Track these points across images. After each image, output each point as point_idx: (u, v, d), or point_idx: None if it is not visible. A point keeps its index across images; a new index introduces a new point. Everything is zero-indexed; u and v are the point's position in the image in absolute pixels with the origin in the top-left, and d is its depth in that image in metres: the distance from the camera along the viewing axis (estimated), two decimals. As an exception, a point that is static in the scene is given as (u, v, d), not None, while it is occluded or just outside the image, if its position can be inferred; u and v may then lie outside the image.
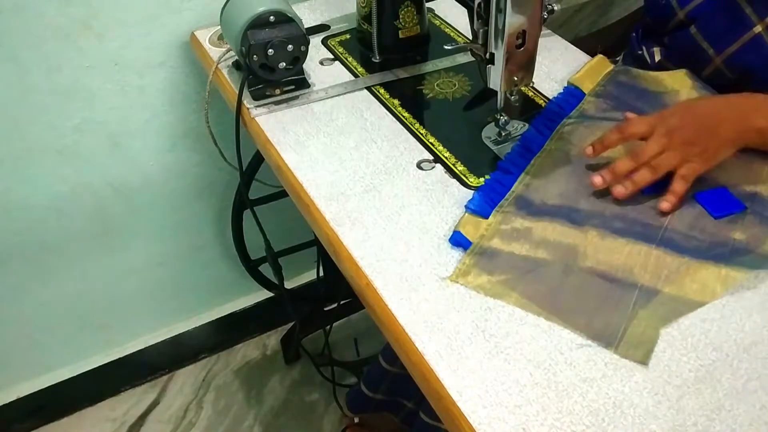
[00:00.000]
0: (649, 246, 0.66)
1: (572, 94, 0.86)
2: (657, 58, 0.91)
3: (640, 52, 0.94)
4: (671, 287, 0.62)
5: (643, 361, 0.57)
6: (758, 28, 0.76)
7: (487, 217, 0.70)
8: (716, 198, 0.70)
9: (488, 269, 0.65)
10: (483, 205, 0.72)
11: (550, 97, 0.87)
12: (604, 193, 0.71)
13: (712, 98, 0.78)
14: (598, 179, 0.71)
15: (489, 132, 0.83)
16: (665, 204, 0.69)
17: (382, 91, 0.90)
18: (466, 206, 0.72)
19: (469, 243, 0.67)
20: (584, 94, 0.86)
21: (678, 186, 0.69)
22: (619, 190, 0.70)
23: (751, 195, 0.70)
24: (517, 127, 0.82)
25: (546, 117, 0.82)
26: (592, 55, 0.96)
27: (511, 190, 0.73)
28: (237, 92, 0.86)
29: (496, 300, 0.62)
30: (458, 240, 0.68)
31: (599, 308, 0.61)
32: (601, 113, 0.82)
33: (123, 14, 0.99)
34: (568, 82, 0.88)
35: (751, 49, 0.77)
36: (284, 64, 0.84)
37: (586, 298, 0.62)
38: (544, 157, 0.77)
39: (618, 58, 1.01)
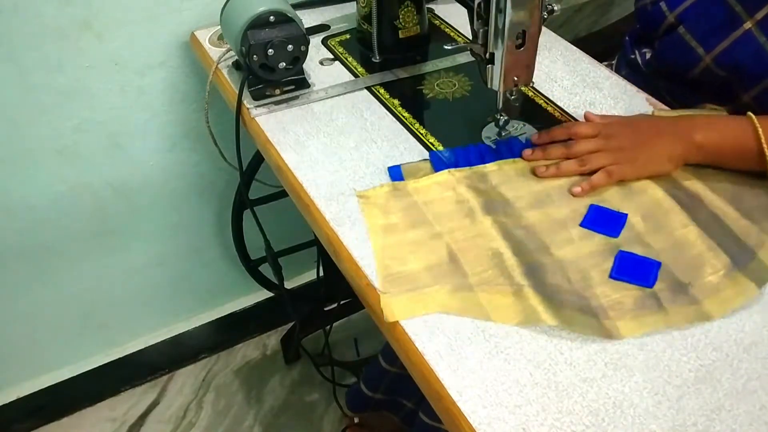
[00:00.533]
0: (517, 263, 0.65)
1: None
2: (648, 56, 0.92)
3: (633, 56, 0.94)
4: (484, 294, 0.63)
5: (390, 317, 0.60)
6: (748, 25, 0.77)
7: (436, 171, 0.76)
8: (635, 264, 0.65)
9: (385, 207, 0.72)
10: (441, 160, 0.77)
11: (551, 98, 0.88)
12: (547, 201, 0.73)
13: (656, 117, 0.81)
14: (527, 152, 0.77)
15: (489, 132, 0.83)
16: (577, 189, 0.72)
17: (382, 91, 0.90)
18: (430, 153, 0.79)
19: (401, 179, 0.75)
20: None
21: (598, 178, 0.72)
22: (541, 169, 0.75)
23: (677, 285, 0.64)
24: (517, 127, 0.82)
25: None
26: (593, 55, 0.97)
27: (474, 167, 0.77)
28: (237, 92, 0.86)
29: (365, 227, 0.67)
30: (394, 172, 0.75)
31: (420, 269, 0.65)
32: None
33: (123, 14, 0.99)
34: None
35: (741, 45, 0.78)
36: (284, 64, 0.84)
37: (421, 258, 0.66)
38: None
39: (612, 62, 1.01)
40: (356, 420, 1.24)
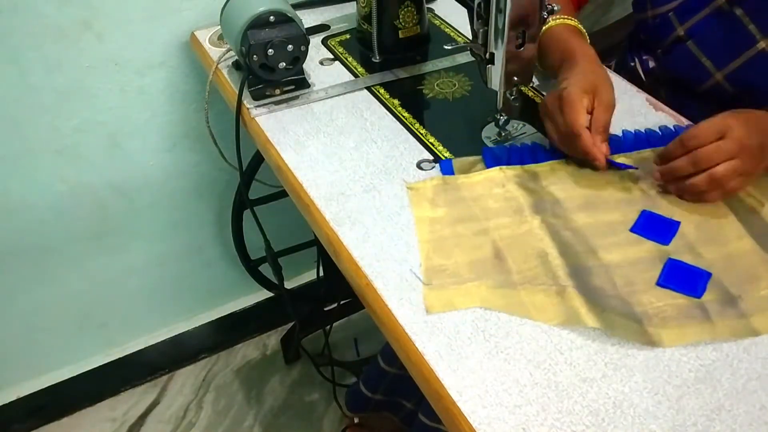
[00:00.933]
0: (561, 263, 0.64)
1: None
2: (651, 65, 0.91)
3: (632, 64, 0.93)
4: (525, 292, 0.62)
5: (429, 310, 0.61)
6: (762, 45, 0.76)
7: (488, 167, 0.76)
8: (683, 273, 0.64)
9: (435, 200, 0.72)
10: (495, 156, 0.77)
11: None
12: (594, 205, 0.71)
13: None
14: (656, 174, 0.72)
15: (489, 132, 0.83)
16: (698, 185, 0.67)
17: (382, 91, 0.90)
18: (482, 149, 0.78)
19: (451, 173, 0.75)
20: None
21: (736, 185, 0.67)
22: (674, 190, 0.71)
23: (729, 297, 0.62)
24: (517, 127, 0.82)
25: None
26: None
27: (526, 165, 0.76)
28: (237, 92, 0.86)
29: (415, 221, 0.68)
30: (446, 166, 0.76)
31: (463, 263, 0.65)
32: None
33: (123, 14, 0.99)
34: None
35: (755, 65, 0.77)
36: (284, 64, 0.84)
37: (466, 252, 0.66)
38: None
39: (610, 64, 1.01)
40: (356, 420, 1.24)
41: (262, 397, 1.44)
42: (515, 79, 0.75)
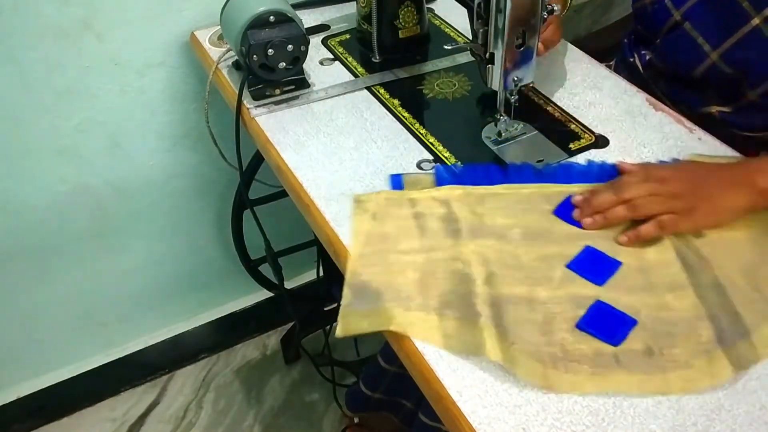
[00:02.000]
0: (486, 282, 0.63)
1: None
2: (648, 57, 0.91)
3: (631, 60, 0.93)
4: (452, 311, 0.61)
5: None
6: (756, 21, 0.75)
7: (438, 186, 0.74)
8: (603, 318, 0.60)
9: (378, 214, 0.70)
10: (446, 177, 0.75)
11: (551, 98, 0.87)
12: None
13: (709, 163, 0.73)
14: (576, 212, 0.70)
15: (489, 132, 0.83)
16: (623, 238, 0.66)
17: (382, 91, 0.90)
18: (435, 167, 0.77)
19: (401, 188, 0.74)
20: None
21: (647, 229, 0.65)
22: (587, 221, 0.68)
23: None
24: (517, 127, 0.82)
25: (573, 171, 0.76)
26: (593, 55, 0.96)
27: (477, 186, 0.74)
28: (237, 92, 0.86)
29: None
30: (396, 182, 0.74)
31: (412, 284, 0.64)
32: None
33: (123, 14, 0.99)
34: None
35: (750, 42, 0.77)
36: (284, 64, 0.84)
37: (403, 275, 0.65)
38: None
39: (611, 63, 1.01)
40: (356, 420, 1.24)
41: (262, 397, 1.44)
42: (515, 79, 0.75)
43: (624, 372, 0.56)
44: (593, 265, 0.65)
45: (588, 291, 0.62)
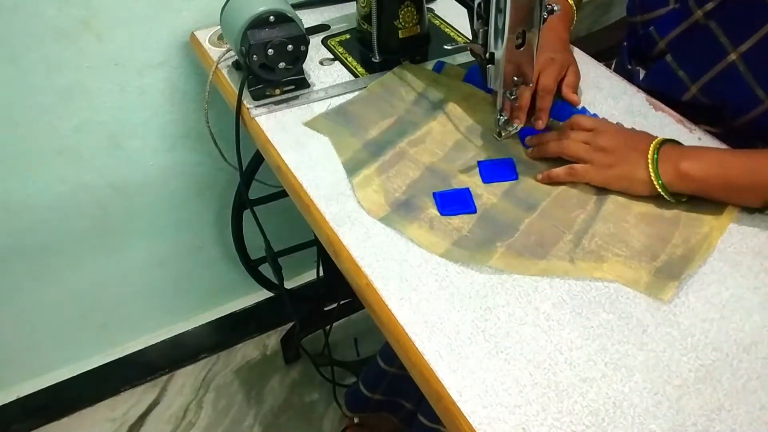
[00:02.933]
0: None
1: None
2: (641, 76, 0.92)
3: (629, 67, 0.94)
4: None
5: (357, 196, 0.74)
6: (732, 57, 0.76)
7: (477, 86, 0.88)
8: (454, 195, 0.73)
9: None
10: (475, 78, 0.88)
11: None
12: None
13: (651, 138, 0.74)
14: (529, 137, 0.80)
15: (489, 132, 0.83)
16: (538, 176, 0.75)
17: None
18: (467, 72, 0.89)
19: (443, 67, 0.93)
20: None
21: (557, 173, 0.73)
22: (529, 151, 0.78)
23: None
24: (516, 127, 0.82)
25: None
26: (593, 55, 0.96)
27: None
28: (237, 92, 0.86)
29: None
30: (438, 66, 0.91)
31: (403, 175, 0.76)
32: None
33: (123, 14, 0.99)
34: None
35: (727, 78, 0.77)
36: (284, 64, 0.84)
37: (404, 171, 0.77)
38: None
39: (610, 63, 1.01)
40: (356, 420, 1.24)
41: (262, 397, 1.44)
42: (515, 79, 0.75)
43: (423, 228, 0.69)
44: (496, 170, 0.76)
45: (470, 180, 0.75)
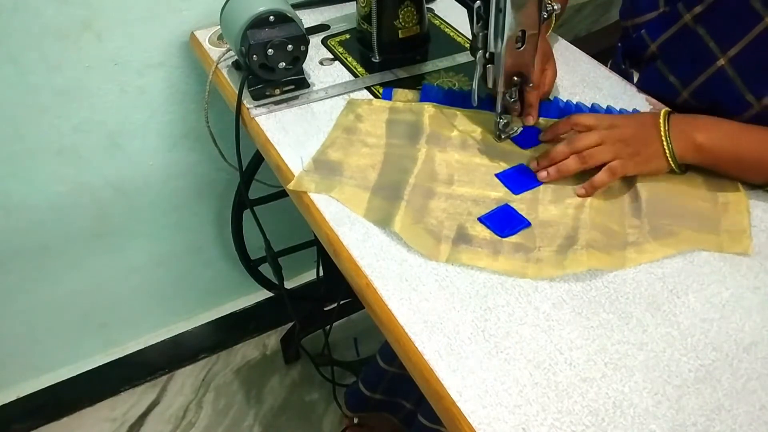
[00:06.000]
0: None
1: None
2: (635, 79, 0.92)
3: (624, 67, 0.94)
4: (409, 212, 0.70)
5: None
6: (721, 62, 0.76)
7: (420, 101, 0.86)
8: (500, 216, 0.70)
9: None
10: (429, 93, 0.86)
11: (550, 97, 0.88)
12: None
13: (655, 114, 0.77)
14: (533, 164, 0.76)
15: (489, 132, 0.83)
16: (580, 190, 0.73)
17: (382, 90, 0.90)
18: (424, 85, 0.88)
19: (390, 99, 0.88)
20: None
21: (600, 178, 0.72)
22: (542, 174, 0.74)
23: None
24: (517, 129, 0.82)
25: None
26: (593, 55, 0.96)
27: (463, 108, 0.85)
28: (237, 92, 0.86)
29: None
30: (387, 93, 0.87)
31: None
32: None
33: (123, 14, 0.99)
34: None
35: (716, 83, 0.77)
36: (284, 64, 0.84)
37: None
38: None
39: (607, 63, 1.01)
40: (356, 420, 1.24)
41: (262, 397, 1.44)
42: (515, 79, 0.75)
43: (498, 257, 0.65)
44: (518, 179, 0.75)
45: (503, 197, 0.73)
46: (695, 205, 0.71)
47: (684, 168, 0.73)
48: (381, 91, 0.89)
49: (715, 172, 0.73)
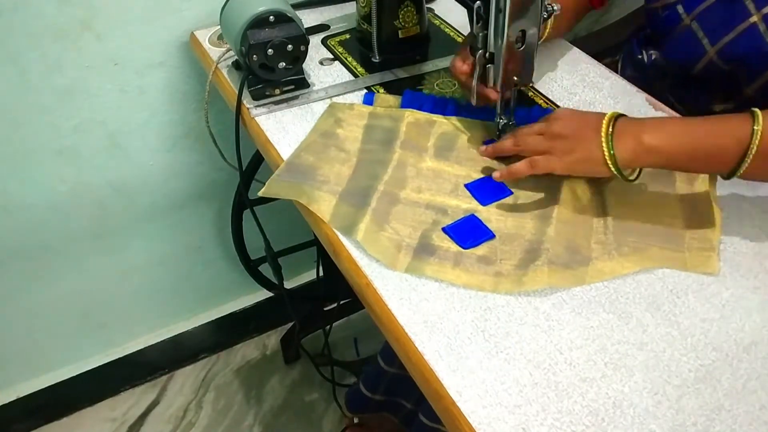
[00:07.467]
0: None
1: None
2: (653, 57, 0.91)
3: (639, 57, 0.94)
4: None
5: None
6: (754, 18, 0.76)
7: (401, 107, 0.85)
8: (465, 227, 0.69)
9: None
10: (409, 99, 0.85)
11: (550, 97, 0.88)
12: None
13: (605, 115, 0.71)
14: (482, 149, 0.78)
15: (489, 132, 0.83)
16: (496, 173, 0.73)
17: (381, 91, 0.90)
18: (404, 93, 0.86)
19: (371, 104, 0.86)
20: None
21: (518, 167, 0.71)
22: (496, 174, 0.73)
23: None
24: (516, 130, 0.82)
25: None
26: (593, 55, 0.96)
27: (429, 112, 0.84)
28: (237, 92, 0.86)
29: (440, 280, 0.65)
30: (368, 98, 0.86)
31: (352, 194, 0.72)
32: None
33: (123, 14, 0.99)
34: None
35: (746, 38, 0.77)
36: (284, 64, 0.84)
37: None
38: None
39: (617, 58, 1.01)
40: (356, 420, 1.24)
41: (262, 397, 1.44)
42: (515, 79, 0.75)
43: (458, 268, 0.65)
44: (488, 190, 0.74)
45: (470, 207, 0.72)
46: (665, 222, 0.69)
47: (635, 174, 0.69)
48: (381, 90, 0.89)
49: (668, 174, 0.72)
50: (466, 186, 0.74)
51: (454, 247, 0.67)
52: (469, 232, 0.68)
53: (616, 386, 0.55)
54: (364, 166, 0.75)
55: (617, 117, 0.68)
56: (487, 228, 0.69)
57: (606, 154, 0.66)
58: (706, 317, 0.61)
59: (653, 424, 0.52)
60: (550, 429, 0.52)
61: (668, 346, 0.58)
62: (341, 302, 1.31)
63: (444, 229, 0.68)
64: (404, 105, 0.85)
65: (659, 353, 0.58)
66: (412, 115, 0.83)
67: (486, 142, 0.79)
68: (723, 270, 0.65)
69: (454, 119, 0.83)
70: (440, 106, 0.85)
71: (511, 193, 0.73)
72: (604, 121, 0.67)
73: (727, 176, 0.66)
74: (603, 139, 0.66)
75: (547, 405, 0.54)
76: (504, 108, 0.78)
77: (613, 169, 0.66)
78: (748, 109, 0.64)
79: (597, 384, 0.55)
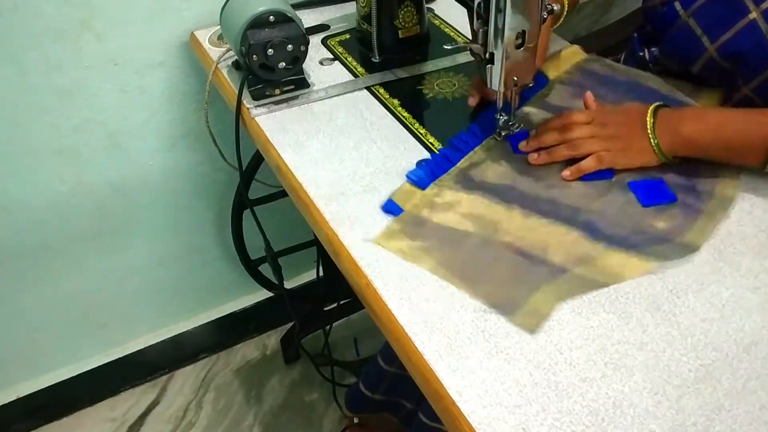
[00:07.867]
0: (569, 228, 0.69)
1: (537, 81, 0.88)
2: (655, 54, 0.92)
3: (641, 54, 0.94)
4: (580, 268, 0.65)
5: (533, 329, 0.59)
6: (753, 15, 0.77)
7: (424, 189, 0.74)
8: (649, 188, 0.73)
9: (411, 235, 0.68)
10: (423, 176, 0.75)
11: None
12: (542, 177, 0.76)
13: (645, 108, 0.77)
14: (523, 144, 0.78)
15: (489, 132, 0.83)
16: (566, 172, 0.74)
17: (381, 91, 0.90)
18: (406, 176, 0.75)
19: (401, 211, 0.71)
20: (548, 80, 0.90)
21: (588, 163, 0.74)
22: (534, 156, 0.76)
23: (688, 187, 0.73)
24: (515, 128, 0.82)
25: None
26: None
27: (456, 165, 0.77)
28: (237, 92, 0.86)
29: (412, 264, 0.65)
30: (390, 208, 0.72)
31: (507, 280, 0.64)
32: (561, 102, 0.87)
33: (123, 14, 0.99)
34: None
35: (745, 35, 0.78)
36: (284, 64, 0.84)
37: (497, 270, 0.65)
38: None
39: (618, 57, 1.01)
40: (356, 420, 1.24)
41: (262, 397, 1.44)
42: (515, 79, 0.75)
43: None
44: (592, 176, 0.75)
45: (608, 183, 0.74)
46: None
47: (678, 160, 0.74)
48: (381, 90, 0.89)
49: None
50: (629, 184, 0.74)
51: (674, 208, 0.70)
52: (652, 191, 0.72)
53: (616, 386, 0.55)
54: (529, 235, 0.68)
55: (657, 108, 0.74)
56: (671, 192, 0.72)
57: (653, 145, 0.73)
58: (706, 317, 0.61)
59: (653, 424, 0.52)
60: (550, 429, 0.52)
61: (668, 346, 0.58)
62: (341, 302, 1.31)
63: (630, 184, 0.72)
64: (424, 184, 0.74)
65: (659, 353, 0.58)
66: (443, 182, 0.75)
67: (513, 138, 0.80)
68: (723, 270, 0.65)
69: (470, 156, 0.78)
70: (452, 155, 0.78)
71: (613, 174, 0.75)
72: (648, 115, 0.73)
73: (763, 167, 0.71)
74: (649, 132, 0.73)
75: (547, 405, 0.54)
76: (504, 107, 0.78)
77: (662, 158, 0.73)
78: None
79: (597, 384, 0.55)
